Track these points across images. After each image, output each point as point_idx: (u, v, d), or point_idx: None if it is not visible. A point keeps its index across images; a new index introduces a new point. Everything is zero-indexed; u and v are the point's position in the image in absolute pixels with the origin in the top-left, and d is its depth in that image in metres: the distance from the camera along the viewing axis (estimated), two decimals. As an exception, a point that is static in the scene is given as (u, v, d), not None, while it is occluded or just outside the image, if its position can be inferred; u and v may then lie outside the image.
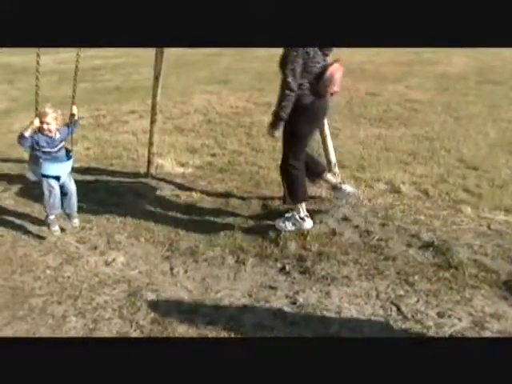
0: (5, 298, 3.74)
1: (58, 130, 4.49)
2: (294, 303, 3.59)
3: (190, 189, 5.50)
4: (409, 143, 6.89)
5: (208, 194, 5.36)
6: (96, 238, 4.62)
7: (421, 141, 6.97)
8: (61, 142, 4.56)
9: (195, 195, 5.32)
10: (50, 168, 4.42)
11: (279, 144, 6.87)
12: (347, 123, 7.82)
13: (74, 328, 3.41)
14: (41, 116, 4.39)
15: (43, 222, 4.65)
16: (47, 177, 4.43)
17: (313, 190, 5.29)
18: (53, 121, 4.44)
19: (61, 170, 4.51)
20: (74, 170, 6.14)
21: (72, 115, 4.69)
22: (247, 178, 5.77)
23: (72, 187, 4.66)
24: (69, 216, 4.71)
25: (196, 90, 10.84)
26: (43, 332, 3.37)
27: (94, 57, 17.81)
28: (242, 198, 5.18)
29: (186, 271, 4.07)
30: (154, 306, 3.62)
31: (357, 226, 4.51)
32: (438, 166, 5.99)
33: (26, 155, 6.74)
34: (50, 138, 4.45)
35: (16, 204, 5.34)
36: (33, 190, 5.63)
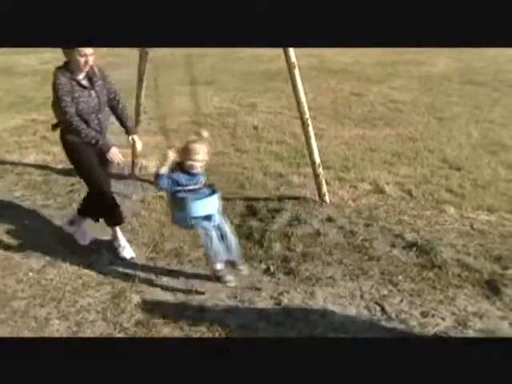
0: (-13, 302, 3.71)
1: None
2: (279, 304, 3.60)
3: (174, 190, 5.47)
4: (393, 144, 6.93)
5: (192, 194, 5.34)
6: (79, 239, 4.58)
7: (405, 141, 7.01)
8: (202, 176, 3.85)
9: (179, 196, 5.29)
10: (199, 207, 3.65)
11: (264, 145, 6.93)
12: (331, 124, 7.84)
13: (57, 331, 3.39)
14: (190, 152, 3.66)
15: (25, 225, 4.61)
16: (197, 218, 3.66)
17: (297, 190, 5.31)
18: (202, 162, 3.74)
19: (210, 207, 3.72)
20: (57, 171, 6.14)
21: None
22: (232, 178, 5.76)
23: (228, 228, 3.78)
24: (233, 265, 3.80)
25: (180, 90, 10.80)
26: (26, 335, 3.34)
27: (78, 57, 17.64)
28: (227, 199, 5.15)
29: (170, 272, 4.05)
30: (138, 307, 3.60)
31: (341, 227, 4.53)
32: (421, 167, 6.03)
33: (8, 156, 6.71)
34: (191, 176, 3.73)
35: (-3, 206, 5.28)
36: (13, 192, 5.60)
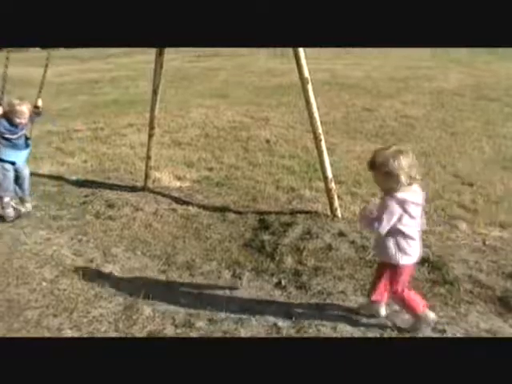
0: (0, 310, 3.73)
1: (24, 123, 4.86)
2: (290, 318, 3.60)
3: (186, 202, 5.52)
4: (405, 159, 6.92)
5: (205, 207, 5.38)
6: (92, 250, 4.62)
7: (417, 156, 6.94)
8: (21, 129, 4.87)
9: (192, 209, 5.34)
10: (8, 154, 4.79)
11: (276, 159, 6.96)
12: (344, 138, 7.87)
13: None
14: (16, 112, 4.71)
15: (39, 235, 4.66)
16: (3, 161, 4.79)
17: (308, 205, 5.33)
18: (25, 118, 4.78)
19: (17, 156, 4.88)
20: (71, 182, 6.21)
21: (36, 107, 5.05)
22: (244, 192, 5.79)
23: (26, 172, 5.05)
24: (21, 200, 5.13)
25: (194, 103, 10.89)
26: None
27: (92, 70, 17.92)
28: (239, 213, 5.20)
29: (182, 285, 4.07)
30: (149, 319, 3.62)
31: (353, 242, 4.52)
32: (433, 182, 6.02)
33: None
34: (12, 125, 4.75)
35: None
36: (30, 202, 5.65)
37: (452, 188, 5.82)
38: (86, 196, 5.77)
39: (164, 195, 5.76)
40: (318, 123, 4.76)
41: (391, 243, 3.19)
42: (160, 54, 5.22)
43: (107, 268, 4.32)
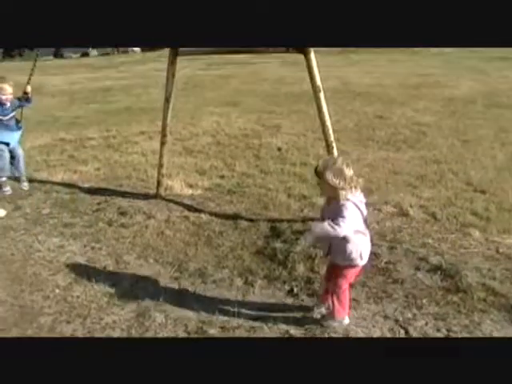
0: (14, 317, 3.77)
1: (9, 100, 5.27)
2: (302, 326, 3.59)
3: (198, 210, 5.53)
4: (417, 166, 6.91)
5: (217, 215, 5.39)
6: (105, 258, 4.65)
7: (429, 164, 6.99)
8: (12, 111, 5.32)
9: (204, 216, 5.35)
10: (1, 135, 5.20)
11: (288, 166, 6.97)
12: (355, 146, 7.87)
13: (83, 348, 3.42)
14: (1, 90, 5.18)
15: (53, 242, 4.70)
16: None
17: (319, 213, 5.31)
18: (8, 94, 5.21)
19: (11, 138, 5.29)
20: (84, 190, 6.26)
21: (25, 93, 5.45)
22: (256, 200, 5.80)
23: (20, 153, 5.49)
24: (18, 179, 5.60)
25: (205, 111, 10.94)
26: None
27: (105, 78, 18.07)
28: (251, 220, 5.21)
29: (194, 292, 4.08)
30: (162, 326, 3.63)
31: (365, 249, 4.52)
32: (445, 189, 6.00)
33: (36, 174, 6.86)
34: (3, 107, 5.20)
35: (26, 223, 5.40)
36: (41, 210, 5.71)
37: (464, 195, 5.79)
38: (98, 204, 5.81)
39: (176, 203, 5.78)
40: (330, 131, 4.76)
41: (353, 245, 3.27)
42: (172, 63, 5.25)
43: (120, 275, 4.35)
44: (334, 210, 3.22)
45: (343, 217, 3.12)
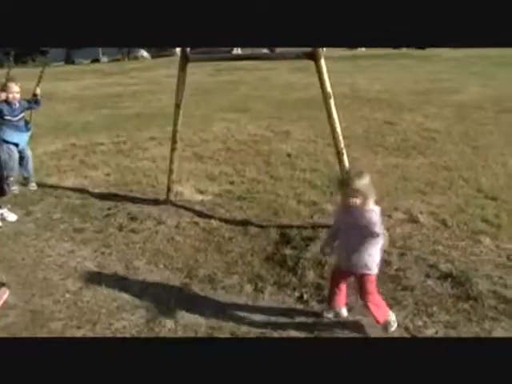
0: (25, 321, 3.80)
1: (18, 101, 5.34)
2: (312, 332, 3.59)
3: (208, 216, 5.54)
4: (426, 173, 6.89)
5: (226, 221, 5.40)
6: (115, 263, 4.67)
7: (439, 170, 6.96)
8: (21, 112, 5.38)
9: (214, 222, 5.36)
10: (11, 136, 5.24)
11: (297, 173, 6.97)
12: (364, 152, 7.85)
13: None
14: (7, 88, 5.22)
15: (63, 247, 4.72)
16: (7, 142, 5.25)
17: (330, 219, 5.31)
18: (15, 92, 5.26)
19: (20, 138, 5.33)
20: (94, 195, 6.29)
21: (34, 95, 5.57)
22: (266, 206, 5.80)
23: (29, 153, 5.53)
24: (26, 180, 5.67)
25: (215, 117, 10.97)
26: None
27: (115, 84, 18.16)
28: (261, 226, 5.21)
29: (204, 298, 4.09)
30: (171, 332, 3.64)
31: (375, 256, 4.50)
32: (456, 196, 5.97)
33: (47, 180, 6.91)
34: (12, 108, 5.26)
35: (37, 228, 5.44)
36: (52, 215, 5.75)
37: (475, 202, 5.76)
38: (109, 209, 5.84)
39: (186, 208, 5.79)
40: (341, 137, 4.76)
41: (374, 253, 3.40)
42: (182, 70, 5.28)
43: (130, 281, 4.36)
44: (360, 217, 3.31)
45: (380, 224, 3.27)
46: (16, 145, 5.29)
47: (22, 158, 5.42)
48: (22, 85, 5.63)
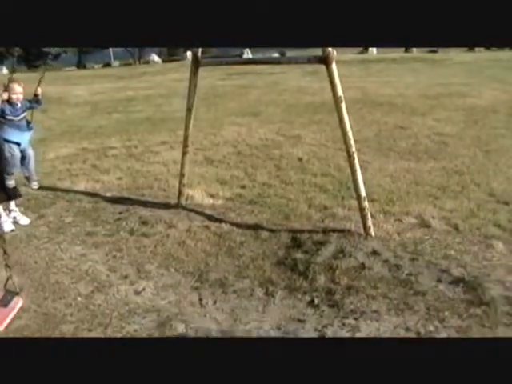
0: (37, 324, 3.82)
1: (20, 101, 5.31)
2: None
3: (219, 220, 5.55)
4: (438, 177, 6.85)
5: (237, 225, 5.41)
6: (126, 266, 4.69)
7: (450, 174, 6.93)
8: (23, 112, 5.37)
9: (225, 226, 5.37)
10: (13, 135, 5.25)
11: (308, 177, 6.96)
12: (376, 156, 7.83)
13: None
14: (10, 89, 5.20)
15: (75, 250, 4.75)
16: (9, 142, 5.25)
17: (341, 223, 5.31)
18: (19, 93, 5.25)
19: (22, 138, 5.34)
20: (106, 199, 6.33)
21: (35, 95, 5.54)
22: (277, 210, 5.80)
23: (30, 153, 5.50)
24: (28, 179, 5.60)
25: (226, 121, 10.98)
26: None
27: (127, 88, 18.25)
28: (272, 231, 5.21)
29: (215, 302, 4.09)
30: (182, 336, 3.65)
31: (386, 260, 4.49)
32: (468, 201, 5.93)
33: (59, 184, 6.95)
34: (14, 108, 5.25)
35: (49, 231, 5.47)
36: (64, 218, 5.79)
37: (487, 207, 5.72)
38: (120, 213, 5.86)
39: (197, 212, 5.80)
40: (352, 141, 4.75)
41: None
42: (194, 74, 5.31)
43: (141, 284, 4.38)
44: None
45: None
46: (18, 144, 5.33)
47: (23, 158, 5.43)
48: (32, 88, 5.68)
